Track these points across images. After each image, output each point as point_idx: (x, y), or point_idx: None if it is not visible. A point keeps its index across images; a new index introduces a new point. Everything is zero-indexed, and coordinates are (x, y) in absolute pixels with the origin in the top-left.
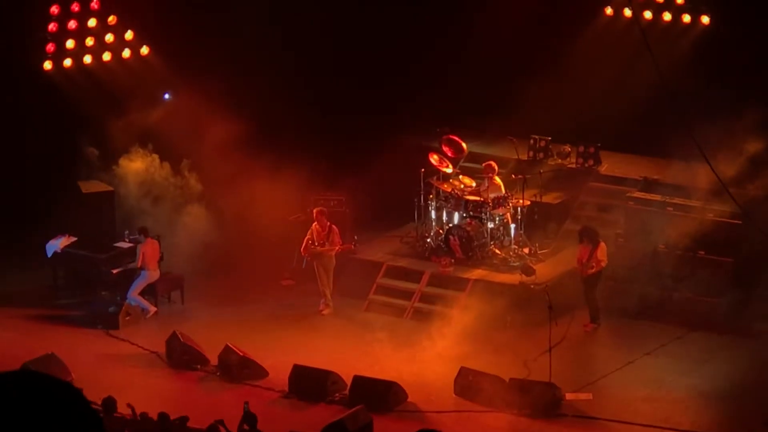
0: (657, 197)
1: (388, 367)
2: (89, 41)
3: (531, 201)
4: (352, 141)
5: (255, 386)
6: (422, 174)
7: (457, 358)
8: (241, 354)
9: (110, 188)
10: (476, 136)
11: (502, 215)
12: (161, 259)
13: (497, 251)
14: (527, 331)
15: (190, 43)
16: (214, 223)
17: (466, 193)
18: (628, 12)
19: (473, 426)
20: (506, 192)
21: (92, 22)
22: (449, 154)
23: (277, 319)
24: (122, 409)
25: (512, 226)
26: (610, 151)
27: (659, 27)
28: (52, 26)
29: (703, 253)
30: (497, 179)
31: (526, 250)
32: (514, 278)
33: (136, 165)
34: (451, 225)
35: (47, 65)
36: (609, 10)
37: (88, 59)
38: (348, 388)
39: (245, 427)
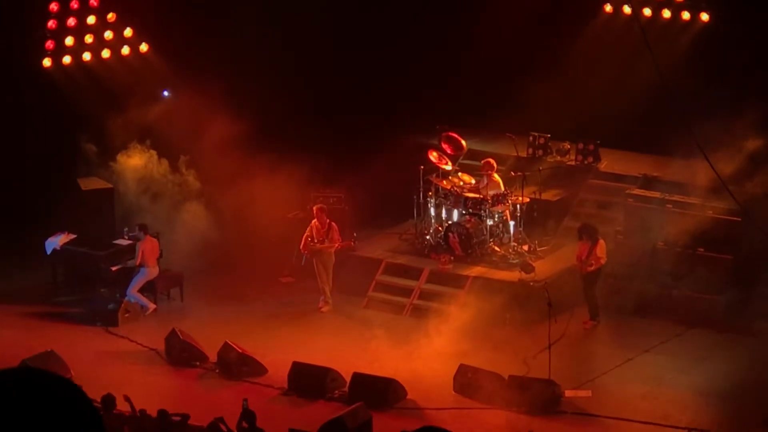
0: (656, 194)
1: (388, 365)
2: (88, 38)
3: (530, 198)
4: (351, 138)
5: (254, 383)
6: (421, 171)
7: (456, 355)
8: (240, 351)
9: (110, 185)
10: (476, 134)
11: (502, 212)
12: (160, 256)
13: (496, 248)
14: (526, 329)
15: (189, 40)
16: (213, 220)
17: (465, 190)
18: (627, 9)
19: (472, 423)
20: (505, 189)
21: (91, 19)
22: (448, 152)
23: (277, 317)
24: (121, 405)
25: (511, 223)
26: (610, 148)
27: (659, 24)
28: (51, 23)
29: (702, 250)
30: (496, 176)
31: (526, 248)
32: (513, 275)
33: (134, 161)
34: (450, 222)
35: (46, 62)
36: (608, 8)
37: (87, 56)
38: (347, 385)
39: (244, 424)
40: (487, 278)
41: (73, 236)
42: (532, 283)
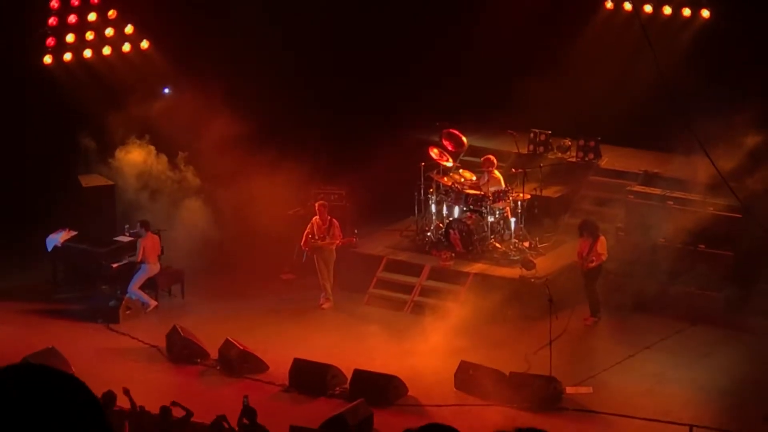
0: (657, 191)
1: (388, 361)
2: (89, 35)
3: (531, 195)
4: (352, 135)
5: (255, 380)
6: (422, 168)
7: (457, 351)
8: (241, 348)
9: (111, 182)
10: (476, 130)
11: (503, 209)
12: (162, 253)
13: (497, 245)
14: (527, 325)
15: (190, 37)
16: (213, 217)
17: (466, 186)
18: (628, 6)
19: (473, 420)
20: (506, 186)
21: (92, 16)
22: (449, 148)
23: (278, 313)
24: (121, 402)
25: (512, 219)
26: (611, 145)
27: (659, 21)
28: (52, 20)
29: (703, 246)
30: (497, 173)
31: (527, 244)
32: (514, 272)
33: (133, 156)
34: (451, 219)
35: (47, 59)
36: (609, 4)
37: (88, 53)
38: (348, 382)
39: (245, 421)
40: (487, 275)
41: (74, 233)
42: (533, 280)
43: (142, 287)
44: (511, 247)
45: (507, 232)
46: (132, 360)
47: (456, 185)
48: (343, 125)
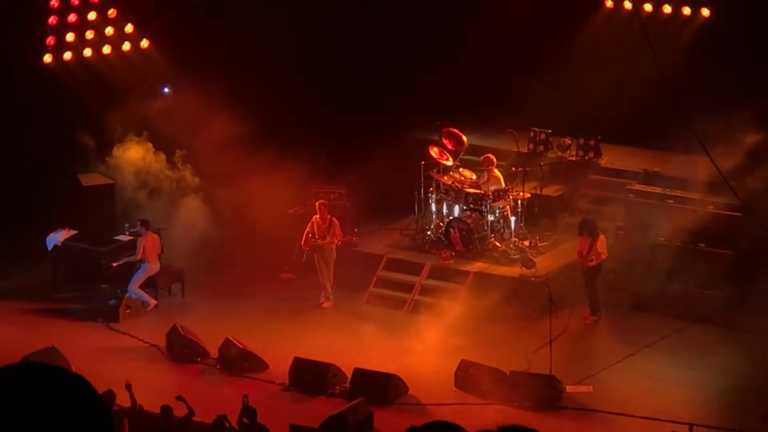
0: (657, 190)
1: (389, 360)
2: (89, 34)
3: (531, 193)
4: (352, 135)
5: (255, 379)
6: (422, 167)
7: (457, 350)
8: (241, 347)
9: (111, 181)
10: (476, 129)
11: (503, 208)
12: (162, 252)
13: (497, 244)
14: (527, 324)
15: (190, 36)
16: (214, 216)
17: (466, 185)
18: (628, 4)
19: (473, 419)
20: (506, 185)
21: (92, 15)
22: (449, 147)
23: (278, 312)
24: (121, 400)
25: (512, 218)
26: (611, 144)
27: (659, 19)
28: (52, 19)
29: (703, 245)
30: (496, 172)
31: (527, 243)
32: (514, 271)
33: (131, 153)
34: (451, 218)
35: (47, 58)
36: (609, 3)
37: (88, 52)
38: (348, 380)
39: (244, 420)
40: (488, 274)
41: (74, 232)
42: (533, 279)
43: (142, 286)
44: (511, 246)
45: (507, 231)
46: (132, 359)
47: (456, 184)
48: (343, 124)
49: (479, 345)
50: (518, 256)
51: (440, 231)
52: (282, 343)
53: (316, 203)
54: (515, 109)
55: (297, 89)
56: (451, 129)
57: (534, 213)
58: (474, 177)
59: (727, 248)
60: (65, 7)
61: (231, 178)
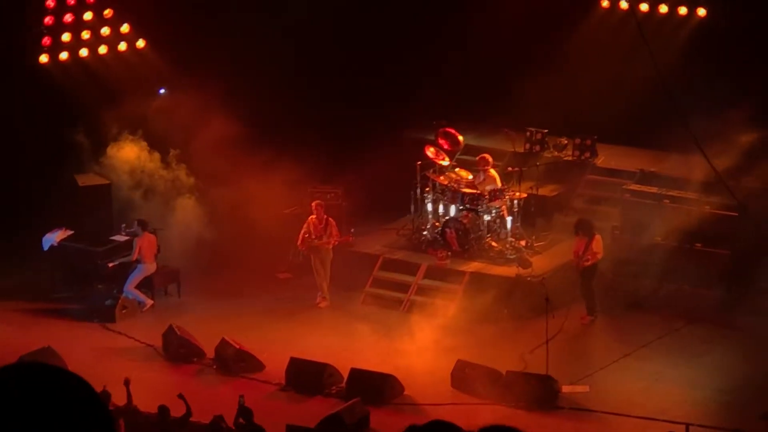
0: (653, 189)
1: (385, 360)
2: (85, 34)
3: (527, 193)
4: (348, 134)
5: (252, 379)
6: (419, 167)
7: (453, 350)
8: (237, 347)
9: (107, 181)
10: (473, 129)
11: (499, 208)
12: (158, 252)
13: (494, 244)
14: (524, 324)
15: (186, 36)
16: (210, 216)
17: (462, 185)
18: (624, 4)
19: (470, 419)
20: (502, 184)
21: (88, 16)
22: (446, 147)
23: (274, 312)
24: (117, 399)
25: (509, 218)
26: (607, 144)
27: (655, 19)
28: (48, 20)
29: (699, 245)
30: (493, 172)
31: (523, 243)
32: (510, 271)
33: (125, 152)
34: (447, 217)
35: (43, 58)
36: (605, 3)
37: (84, 52)
38: (345, 381)
39: (241, 420)
40: (484, 274)
41: (70, 232)
42: (529, 279)
43: (139, 286)
44: (508, 245)
45: (503, 230)
46: (128, 359)
47: (452, 184)
48: (340, 124)
49: (475, 345)
50: (514, 256)
51: (436, 231)
52: (278, 343)
53: (313, 203)
54: (511, 108)
55: (293, 89)
56: (447, 129)
57: (530, 213)
58: (470, 177)
59: (723, 248)
60: (61, 7)
61: (227, 178)
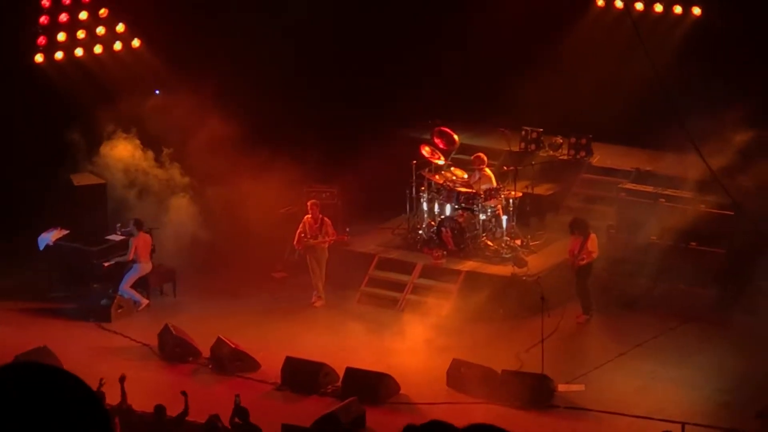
0: (649, 188)
1: (380, 359)
2: (80, 34)
3: (523, 192)
4: (344, 134)
5: (247, 379)
6: (414, 166)
7: (448, 349)
8: (233, 346)
9: (102, 181)
10: (468, 128)
11: (494, 207)
12: (153, 251)
13: (489, 243)
14: (519, 323)
15: (182, 36)
16: (205, 216)
17: (457, 185)
18: (619, 3)
19: (465, 418)
20: (498, 184)
21: (83, 15)
22: (441, 146)
23: (270, 312)
24: (111, 399)
25: (504, 217)
26: (602, 143)
27: (651, 18)
28: (43, 19)
29: (694, 244)
30: (488, 171)
31: (518, 242)
32: (506, 270)
33: (119, 150)
34: (443, 217)
35: (39, 58)
36: (600, 2)
37: (79, 52)
38: (340, 380)
39: (237, 420)
40: (479, 273)
41: (66, 232)
42: (524, 278)
43: (134, 286)
44: (503, 245)
45: (499, 230)
46: (124, 359)
47: (448, 183)
48: (335, 124)
49: (471, 344)
50: (510, 255)
51: (432, 230)
52: (274, 342)
53: (308, 203)
54: (507, 108)
55: (289, 89)
56: (442, 128)
57: (526, 212)
58: (466, 176)
59: (718, 247)
60: (56, 7)
61: (223, 178)
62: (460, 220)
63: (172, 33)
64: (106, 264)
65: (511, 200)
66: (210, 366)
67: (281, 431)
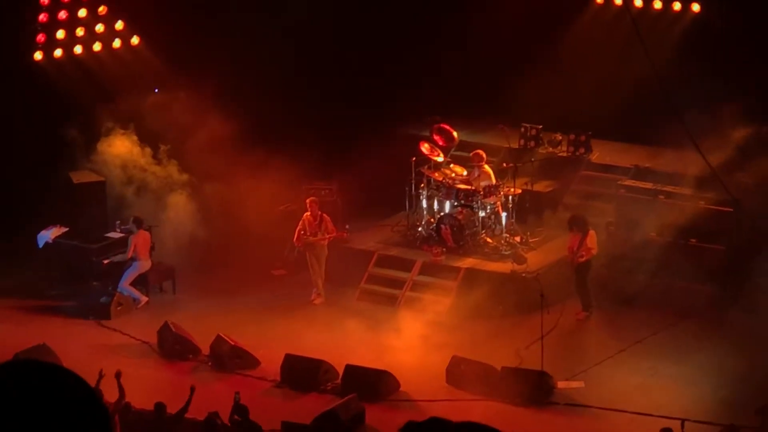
0: (648, 185)
1: (380, 356)
2: (80, 31)
3: (522, 189)
4: (343, 131)
5: (247, 376)
6: (413, 163)
7: (448, 346)
8: (232, 344)
9: (102, 178)
10: (467, 125)
11: (494, 204)
12: (153, 249)
13: (488, 240)
14: (519, 320)
15: (181, 33)
16: (205, 213)
17: (457, 181)
18: (618, 0)
19: (465, 415)
20: (497, 180)
21: (83, 12)
22: (440, 143)
23: (269, 309)
24: (109, 395)
25: (503, 214)
26: (602, 140)
27: (650, 15)
28: (42, 16)
29: (694, 241)
30: (487, 168)
31: (518, 239)
32: (505, 267)
33: (116, 147)
34: (442, 214)
35: (38, 56)
36: None
37: (78, 49)
38: (340, 377)
39: (236, 417)
40: (479, 270)
41: (65, 229)
42: (524, 275)
43: (134, 283)
44: (502, 241)
45: (498, 226)
46: (123, 356)
47: (447, 180)
48: (334, 121)
49: (470, 341)
50: (509, 252)
51: (431, 227)
52: (273, 339)
53: (307, 200)
54: (506, 104)
55: (288, 87)
56: (442, 125)
57: (525, 209)
58: (465, 173)
59: (718, 244)
60: (56, 4)
61: (222, 175)
62: (460, 217)
63: (172, 32)
64: (105, 261)
65: (510, 197)
66: (209, 363)
67: (281, 428)
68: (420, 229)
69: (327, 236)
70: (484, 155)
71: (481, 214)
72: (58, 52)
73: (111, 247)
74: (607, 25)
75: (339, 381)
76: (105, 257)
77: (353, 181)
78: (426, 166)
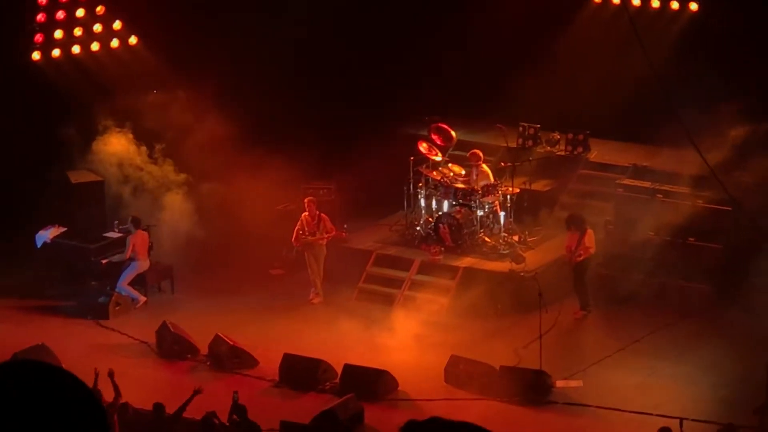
0: (646, 184)
1: (378, 356)
2: (77, 31)
3: (520, 189)
4: (341, 130)
5: (245, 376)
6: (411, 162)
7: (446, 345)
8: (231, 343)
9: (100, 178)
10: (465, 124)
11: (492, 203)
12: (151, 248)
13: (487, 239)
14: (517, 319)
15: (179, 33)
16: (203, 213)
17: (455, 181)
18: None
19: (464, 414)
20: (495, 180)
21: (80, 12)
22: (438, 143)
23: (268, 309)
24: (107, 395)
25: (502, 213)
26: (600, 139)
27: (648, 14)
28: (40, 16)
29: (692, 239)
30: (485, 167)
31: (516, 238)
32: (503, 266)
33: (112, 145)
34: (440, 213)
35: (36, 56)
36: None
37: (76, 49)
38: (338, 376)
39: (234, 417)
40: (477, 269)
41: (63, 229)
42: (522, 274)
43: (132, 283)
44: (501, 241)
45: (496, 226)
46: (122, 356)
47: (445, 179)
48: (332, 120)
49: (469, 340)
50: (508, 251)
51: (429, 226)
52: (272, 339)
53: (305, 200)
54: (504, 104)
55: (286, 87)
56: (440, 124)
57: (523, 208)
58: (463, 172)
59: (716, 242)
60: (53, 4)
61: (221, 175)
62: (458, 216)
63: (171, 31)
64: (103, 261)
65: (508, 196)
66: (208, 363)
67: (279, 428)
68: (418, 228)
69: (325, 236)
70: (481, 155)
71: (480, 213)
72: (56, 52)
73: (109, 247)
74: (605, 24)
75: (337, 380)
76: (103, 257)
77: (352, 181)
78: (424, 166)
